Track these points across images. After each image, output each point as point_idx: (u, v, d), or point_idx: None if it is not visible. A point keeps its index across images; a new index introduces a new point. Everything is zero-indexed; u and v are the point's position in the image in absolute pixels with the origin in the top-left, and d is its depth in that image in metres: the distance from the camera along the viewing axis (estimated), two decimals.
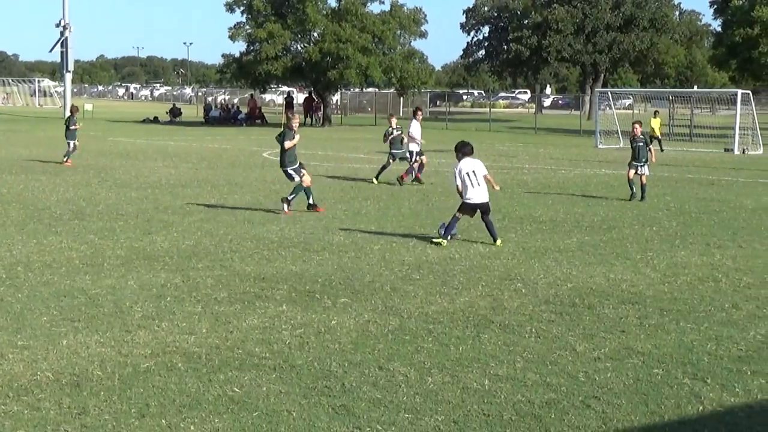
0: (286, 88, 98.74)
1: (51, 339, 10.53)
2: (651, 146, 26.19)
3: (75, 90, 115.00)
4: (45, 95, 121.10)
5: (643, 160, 25.06)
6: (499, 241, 17.30)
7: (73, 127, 34.97)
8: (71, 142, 34.71)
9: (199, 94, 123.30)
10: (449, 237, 17.36)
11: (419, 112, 30.41)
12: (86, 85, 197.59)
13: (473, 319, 11.68)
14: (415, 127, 28.83)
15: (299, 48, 73.37)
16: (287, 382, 9.09)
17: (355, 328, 11.20)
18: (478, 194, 17.25)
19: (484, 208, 17.43)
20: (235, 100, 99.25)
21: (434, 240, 17.34)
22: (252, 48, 72.66)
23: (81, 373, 9.28)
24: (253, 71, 71.40)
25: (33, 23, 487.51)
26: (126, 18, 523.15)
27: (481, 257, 15.97)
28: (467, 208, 17.46)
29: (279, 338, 10.69)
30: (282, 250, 16.40)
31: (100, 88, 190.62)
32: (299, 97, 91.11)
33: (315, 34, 72.38)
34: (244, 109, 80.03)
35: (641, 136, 25.51)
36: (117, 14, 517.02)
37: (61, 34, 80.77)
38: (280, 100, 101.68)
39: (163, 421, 8.04)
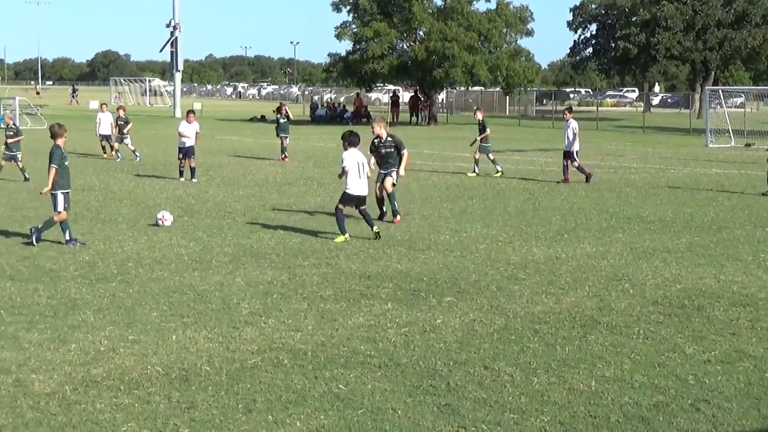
0: (391, 87, 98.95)
1: (161, 334, 10.71)
2: None
3: (184, 89, 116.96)
4: (155, 94, 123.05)
5: None
6: (376, 228, 17.60)
7: (282, 121, 36.34)
8: (286, 137, 36.30)
9: (306, 92, 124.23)
10: (346, 233, 17.37)
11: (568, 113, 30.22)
12: (195, 84, 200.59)
13: (580, 320, 11.56)
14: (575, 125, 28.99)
15: (405, 47, 73.43)
16: (392, 380, 9.10)
17: (461, 327, 11.17)
18: (361, 186, 17.51)
19: (362, 201, 17.67)
20: (341, 99, 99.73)
21: (336, 240, 17.20)
22: (358, 47, 72.94)
23: (190, 368, 9.42)
24: (359, 70, 71.68)
25: (144, 24, 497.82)
26: (234, 18, 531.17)
27: (587, 257, 15.80)
28: (349, 199, 17.55)
29: (384, 336, 10.72)
30: (387, 249, 16.43)
31: (209, 87, 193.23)
32: (405, 96, 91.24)
33: (421, 33, 72.35)
34: (350, 108, 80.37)
35: None
36: (225, 14, 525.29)
37: (171, 34, 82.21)
38: (386, 98, 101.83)
39: (270, 416, 8.11)
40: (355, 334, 10.82)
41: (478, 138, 30.94)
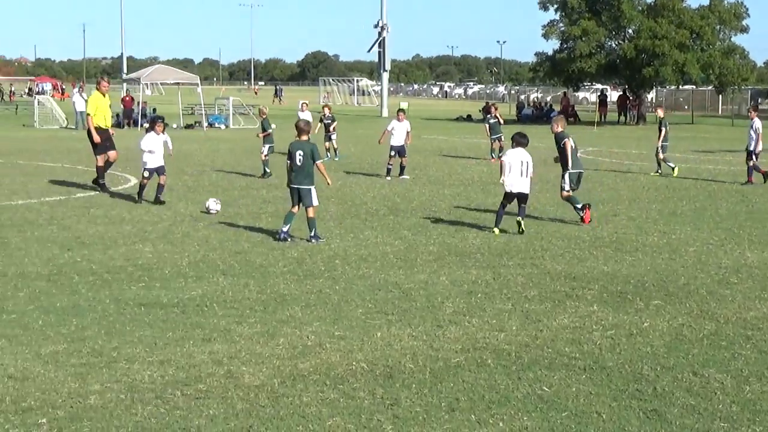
0: (599, 86, 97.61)
1: (366, 331, 10.85)
2: None
3: (391, 89, 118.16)
4: (363, 94, 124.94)
5: None
6: (521, 226, 17.90)
7: (492, 121, 36.47)
8: (498, 137, 36.25)
9: (512, 92, 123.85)
10: (497, 227, 18.07)
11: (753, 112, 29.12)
12: (402, 84, 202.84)
13: None
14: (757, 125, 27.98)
15: (613, 45, 72.34)
16: (597, 384, 8.97)
17: (669, 332, 10.91)
18: (520, 184, 17.94)
19: (523, 198, 18.10)
20: (548, 98, 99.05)
21: (493, 230, 17.99)
22: (565, 45, 72.26)
23: (394, 365, 9.51)
24: (567, 69, 70.99)
25: (353, 25, 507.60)
26: (441, 18, 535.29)
27: None
28: (508, 196, 18.12)
29: (589, 338, 10.57)
30: (593, 250, 16.21)
31: (415, 86, 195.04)
32: (612, 95, 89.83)
33: (630, 31, 71.14)
34: (557, 107, 79.64)
35: None
36: (432, 14, 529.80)
37: (379, 34, 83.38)
38: (593, 98, 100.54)
39: (473, 416, 8.11)
40: (559, 335, 10.71)
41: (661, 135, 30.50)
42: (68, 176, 26.63)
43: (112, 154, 24.42)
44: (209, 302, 12.18)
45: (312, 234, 16.76)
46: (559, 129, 19.81)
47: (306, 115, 37.07)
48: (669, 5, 68.31)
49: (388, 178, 28.26)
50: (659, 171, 30.17)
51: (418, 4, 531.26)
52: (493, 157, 35.80)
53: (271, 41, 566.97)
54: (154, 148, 21.87)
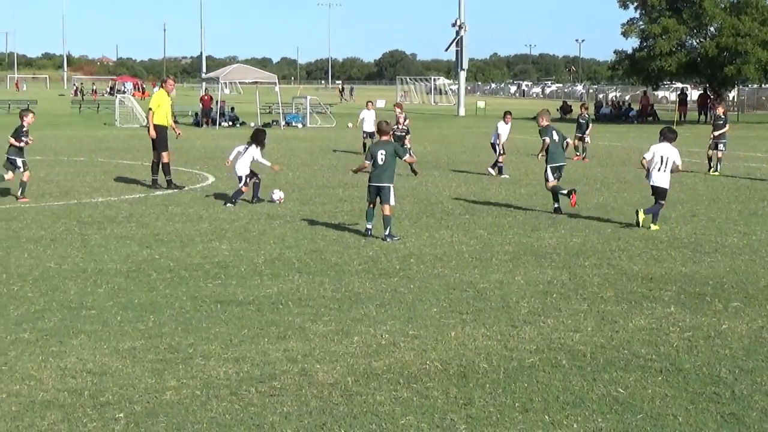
0: (679, 85, 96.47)
1: (440, 330, 10.83)
2: None
3: (468, 87, 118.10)
4: (440, 93, 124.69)
5: None
6: (654, 226, 18.09)
7: (582, 121, 36.45)
8: (581, 136, 36.41)
9: (590, 91, 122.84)
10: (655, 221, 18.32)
11: None
12: (479, 83, 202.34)
13: None
14: None
15: (695, 43, 71.41)
16: (673, 386, 8.86)
17: (748, 334, 10.75)
18: (659, 178, 18.24)
19: (661, 192, 18.31)
20: (627, 97, 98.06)
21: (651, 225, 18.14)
22: (645, 44, 71.53)
23: (468, 365, 9.49)
24: (646, 68, 70.30)
25: (430, 24, 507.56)
26: (519, 16, 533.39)
27: None
28: (653, 190, 18.50)
29: (666, 340, 10.45)
30: (671, 251, 16.01)
31: (493, 85, 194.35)
32: (693, 94, 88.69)
33: (712, 29, 70.18)
34: (636, 107, 78.87)
35: None
36: (510, 13, 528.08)
37: (457, 33, 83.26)
38: (672, 97, 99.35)
39: (546, 417, 8.06)
40: (635, 336, 10.60)
41: (716, 133, 30.60)
42: (147, 174, 26.92)
43: (164, 154, 24.69)
44: (284, 300, 12.26)
45: (387, 233, 16.80)
46: (544, 124, 20.71)
47: (371, 114, 36.95)
48: (752, 2, 67.32)
49: (492, 173, 29.12)
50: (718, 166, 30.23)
51: (497, 3, 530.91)
52: (584, 156, 35.81)
53: (348, 40, 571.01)
54: (245, 154, 21.97)
